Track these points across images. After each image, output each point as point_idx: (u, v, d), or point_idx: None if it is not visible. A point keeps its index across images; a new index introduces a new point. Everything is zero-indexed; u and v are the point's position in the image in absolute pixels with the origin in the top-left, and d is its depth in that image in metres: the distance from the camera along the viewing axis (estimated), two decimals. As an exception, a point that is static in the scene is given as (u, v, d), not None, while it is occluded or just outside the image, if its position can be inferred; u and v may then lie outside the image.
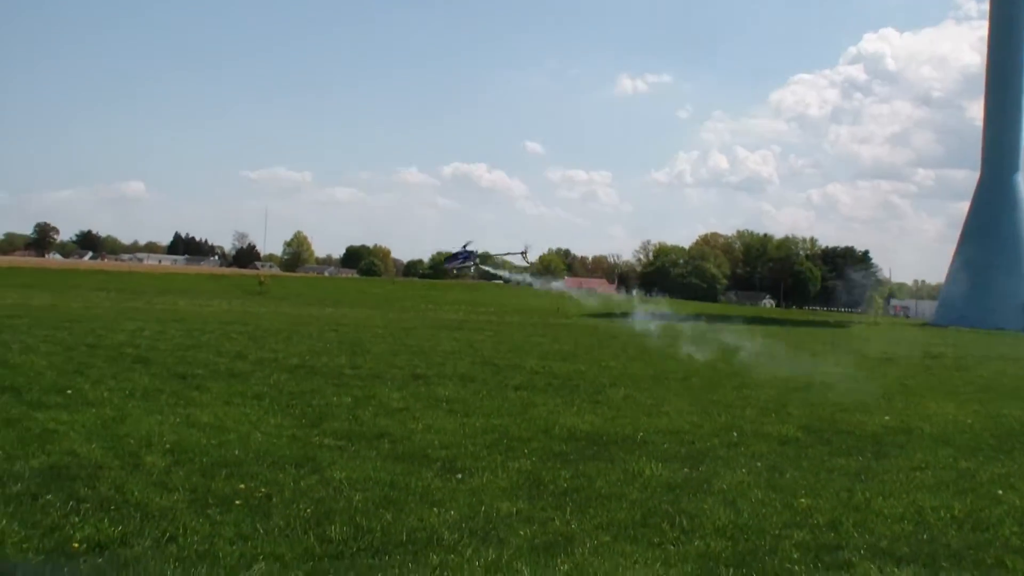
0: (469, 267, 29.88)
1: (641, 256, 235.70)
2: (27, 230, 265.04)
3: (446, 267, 32.63)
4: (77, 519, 8.22)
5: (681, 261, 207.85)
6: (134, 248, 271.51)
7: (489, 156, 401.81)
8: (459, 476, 11.05)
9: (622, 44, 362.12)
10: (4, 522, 7.97)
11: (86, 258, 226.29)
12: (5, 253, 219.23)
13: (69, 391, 15.67)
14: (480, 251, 30.22)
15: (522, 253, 30.55)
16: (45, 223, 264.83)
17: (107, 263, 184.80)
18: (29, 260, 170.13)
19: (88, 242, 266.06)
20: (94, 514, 8.41)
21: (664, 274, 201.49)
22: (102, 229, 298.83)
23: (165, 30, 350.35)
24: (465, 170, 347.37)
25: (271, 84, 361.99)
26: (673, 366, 26.81)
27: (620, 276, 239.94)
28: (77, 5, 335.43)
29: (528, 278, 37.65)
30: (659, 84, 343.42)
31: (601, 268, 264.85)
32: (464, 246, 30.13)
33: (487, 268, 30.81)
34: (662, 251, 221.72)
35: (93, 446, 11.34)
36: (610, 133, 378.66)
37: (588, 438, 14.18)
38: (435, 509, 9.40)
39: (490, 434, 13.97)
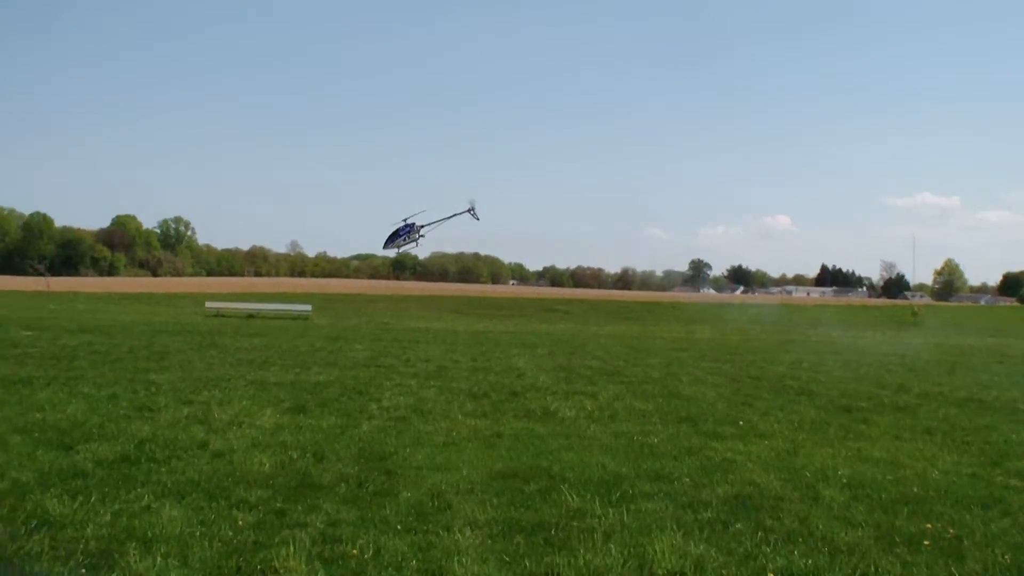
0: (415, 241, 26.36)
1: None
2: (683, 267, 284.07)
3: (386, 249, 28.02)
4: (768, 549, 8.42)
5: None
6: (782, 281, 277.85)
7: None
8: None
9: None
10: (702, 547, 8.41)
11: (737, 292, 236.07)
12: (664, 290, 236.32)
13: (740, 422, 16.27)
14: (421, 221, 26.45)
15: (469, 211, 26.37)
16: (699, 259, 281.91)
17: (757, 296, 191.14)
18: (687, 295, 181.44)
19: (739, 276, 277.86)
20: (784, 545, 8.56)
21: None
22: (752, 263, 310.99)
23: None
24: None
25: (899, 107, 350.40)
26: None
27: None
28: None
29: None
30: None
31: None
32: (404, 220, 26.46)
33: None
34: None
35: (771, 477, 11.61)
36: None
37: None
38: None
39: None
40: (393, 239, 27.55)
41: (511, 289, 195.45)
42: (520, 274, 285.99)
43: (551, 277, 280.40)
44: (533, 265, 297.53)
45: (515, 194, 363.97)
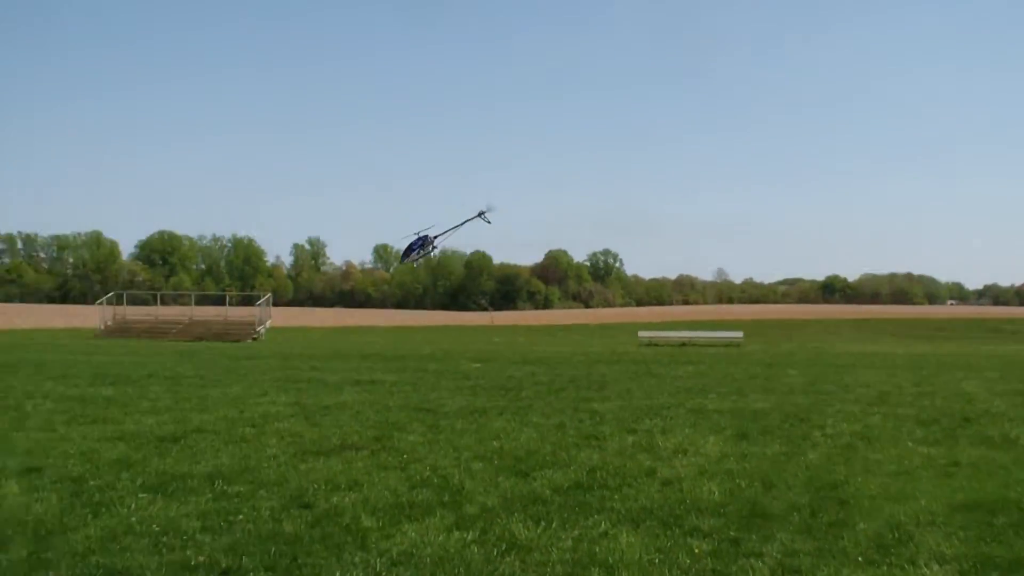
0: (431, 252, 22.22)
1: None
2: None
3: (404, 263, 24.23)
4: None
5: None
6: None
7: None
8: None
9: None
10: None
11: None
12: None
13: None
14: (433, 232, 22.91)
15: (481, 214, 21.53)
16: None
17: None
18: None
19: None
20: None
21: None
22: None
23: None
24: None
25: None
26: None
27: None
28: None
29: None
30: None
31: None
32: (417, 233, 22.72)
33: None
34: None
35: None
36: None
37: None
38: None
39: None
40: (408, 253, 27.64)
41: (950, 309, 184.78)
42: (958, 293, 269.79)
43: (993, 295, 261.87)
44: (972, 284, 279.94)
45: (943, 211, 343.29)
